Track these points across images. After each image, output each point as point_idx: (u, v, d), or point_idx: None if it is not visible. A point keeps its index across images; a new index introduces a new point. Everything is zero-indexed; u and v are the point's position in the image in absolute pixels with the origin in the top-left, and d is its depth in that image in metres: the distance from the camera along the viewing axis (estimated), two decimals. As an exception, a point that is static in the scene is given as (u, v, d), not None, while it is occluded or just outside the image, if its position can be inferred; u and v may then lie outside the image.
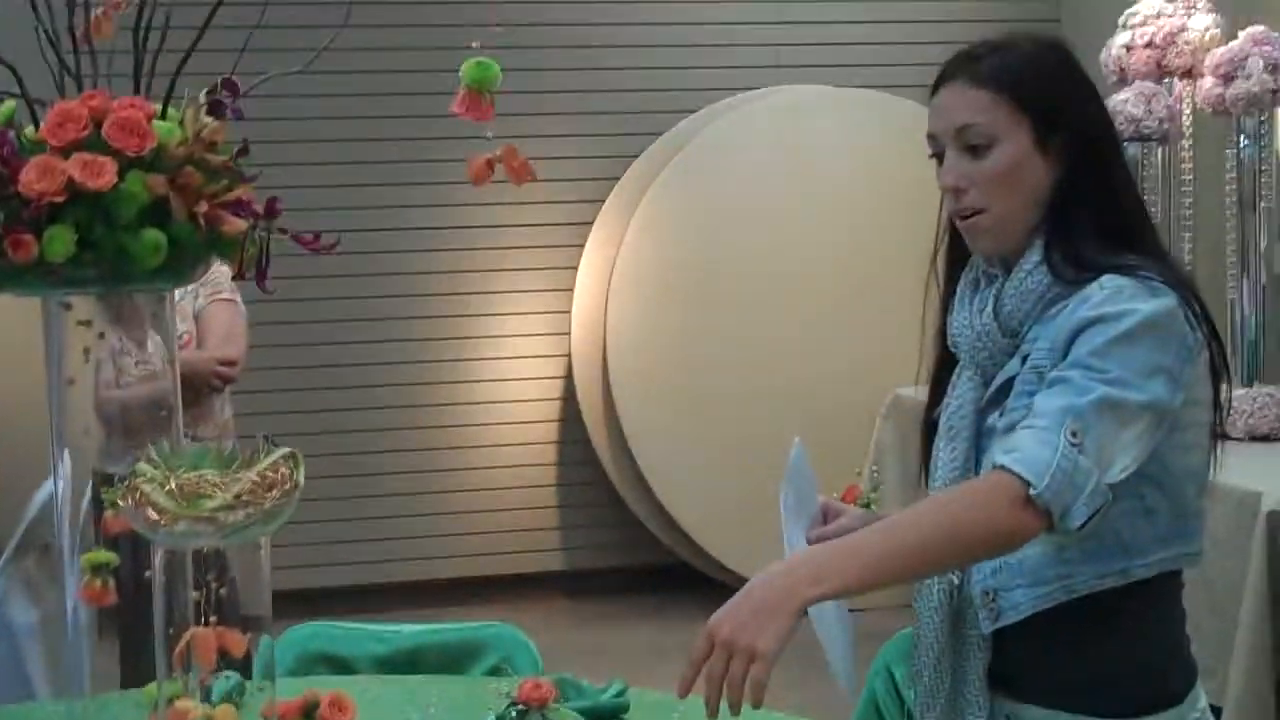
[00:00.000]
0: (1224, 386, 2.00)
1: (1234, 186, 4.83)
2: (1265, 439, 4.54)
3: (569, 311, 6.52)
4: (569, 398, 6.56)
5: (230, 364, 3.90)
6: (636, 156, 6.53)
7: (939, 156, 2.04)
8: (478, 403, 6.58)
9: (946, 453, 2.04)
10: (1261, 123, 4.76)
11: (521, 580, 6.56)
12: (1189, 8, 5.11)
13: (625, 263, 6.24)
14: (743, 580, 6.24)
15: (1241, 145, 4.79)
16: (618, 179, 6.50)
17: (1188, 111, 5.09)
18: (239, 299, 4.08)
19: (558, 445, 6.66)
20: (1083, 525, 1.80)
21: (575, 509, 6.67)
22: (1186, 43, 5.03)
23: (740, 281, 6.29)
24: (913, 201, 6.28)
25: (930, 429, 2.14)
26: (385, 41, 6.08)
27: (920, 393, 6.36)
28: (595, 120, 6.47)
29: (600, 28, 6.55)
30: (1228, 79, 4.70)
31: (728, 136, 6.37)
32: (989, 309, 2.01)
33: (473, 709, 2.35)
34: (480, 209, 6.42)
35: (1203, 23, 5.05)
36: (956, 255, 2.12)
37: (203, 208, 1.69)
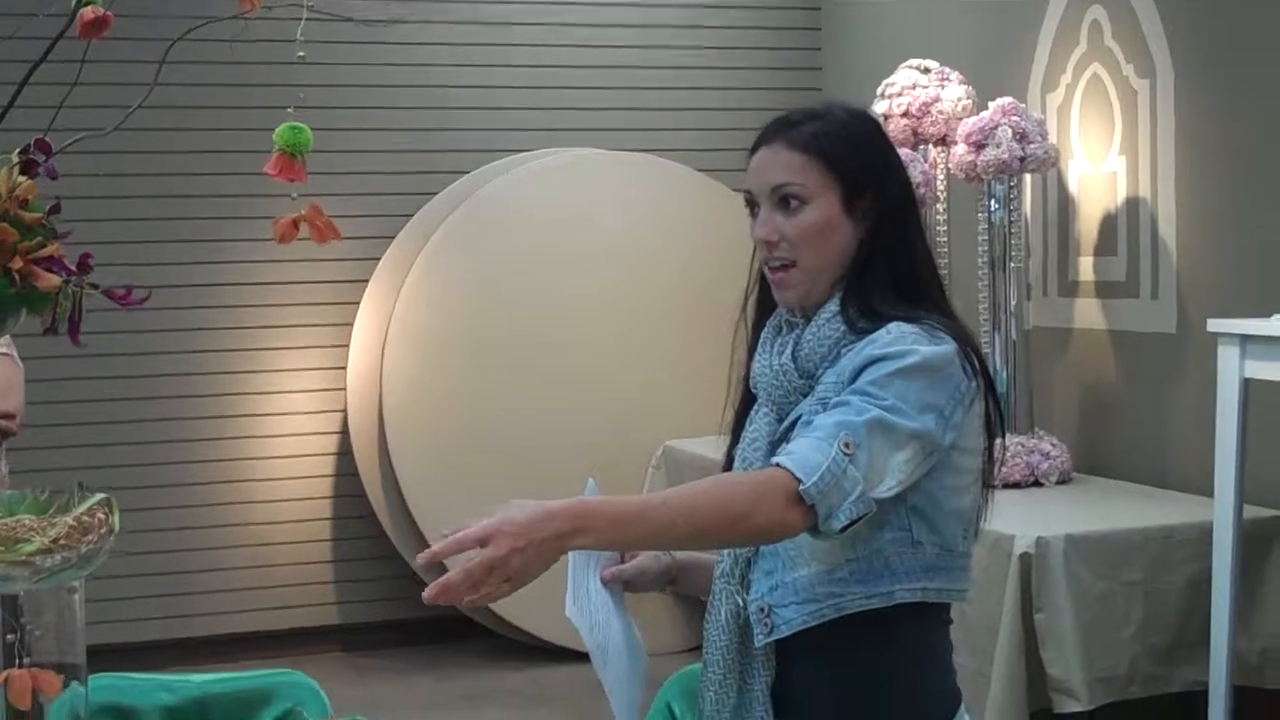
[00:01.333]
0: (998, 439, 2.16)
1: (985, 248, 5.05)
2: (1016, 485, 4.77)
3: (344, 368, 6.54)
4: (345, 453, 6.57)
5: (8, 417, 3.86)
6: (411, 216, 6.59)
7: (753, 209, 2.20)
8: (253, 458, 6.55)
9: None
10: (1010, 188, 5.00)
11: (298, 635, 6.53)
12: (943, 80, 5.34)
13: (400, 320, 6.29)
14: (518, 630, 6.34)
15: (992, 209, 5.02)
16: (393, 237, 6.55)
17: (942, 177, 5.32)
18: (15, 353, 4.04)
19: (333, 500, 6.65)
20: (843, 529, 1.92)
21: (351, 563, 6.67)
22: (940, 112, 5.26)
23: (515, 338, 6.37)
24: (680, 260, 6.52)
25: (729, 463, 2.28)
26: (190, 100, 6.12)
27: (688, 444, 6.57)
28: (371, 179, 6.52)
29: (377, 89, 6.60)
30: (979, 147, 4.93)
31: (501, 196, 6.46)
32: (788, 352, 2.16)
33: (269, 753, 2.38)
34: (254, 266, 6.44)
35: (955, 94, 5.29)
36: (765, 304, 2.27)
37: (17, 264, 1.74)
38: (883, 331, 2.07)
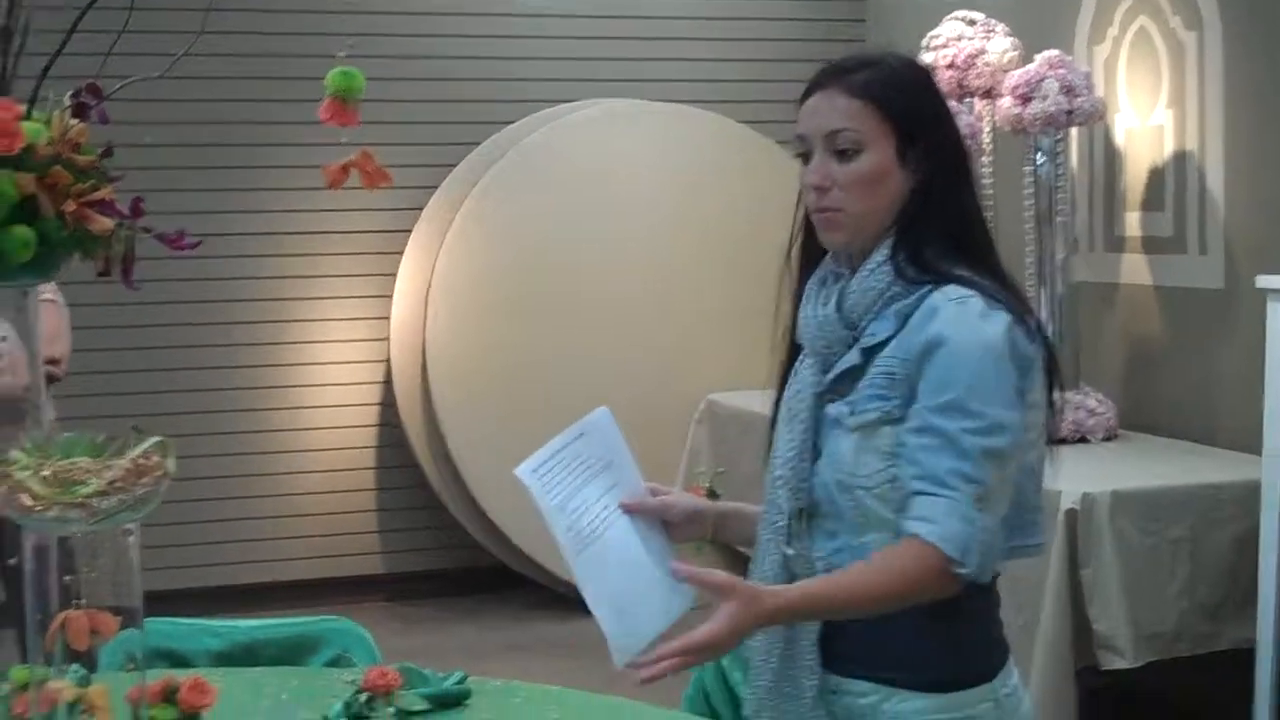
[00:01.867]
0: (1057, 390, 2.15)
1: (1031, 202, 5.02)
2: (1062, 442, 4.75)
3: (388, 317, 6.56)
4: (389, 403, 6.60)
5: (54, 363, 3.89)
6: (454, 166, 6.59)
7: (804, 156, 2.17)
8: (298, 407, 6.59)
9: (786, 434, 2.17)
10: (1057, 141, 4.97)
11: (341, 584, 6.58)
12: (988, 32, 5.30)
13: (443, 270, 6.30)
14: (561, 581, 6.37)
15: (1039, 163, 4.99)
16: (436, 187, 6.56)
17: (987, 130, 5.29)
18: (60, 299, 4.08)
19: (377, 449, 6.69)
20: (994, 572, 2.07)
21: (395, 513, 6.71)
22: (986, 65, 5.21)
23: (556, 289, 6.38)
24: (722, 213, 6.50)
25: (777, 415, 2.27)
26: (236, 49, 6.15)
27: (731, 398, 6.57)
28: (416, 129, 6.52)
29: (421, 39, 6.60)
30: (1025, 100, 4.89)
31: (544, 147, 6.46)
32: (833, 302, 2.14)
33: (320, 698, 2.38)
34: (299, 215, 6.47)
35: (1001, 46, 5.25)
36: (810, 254, 2.25)
37: (70, 206, 1.74)
38: (939, 297, 2.06)
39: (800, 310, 2.23)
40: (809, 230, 2.23)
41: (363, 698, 2.30)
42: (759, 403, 6.39)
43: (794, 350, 2.28)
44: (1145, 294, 5.17)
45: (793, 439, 2.15)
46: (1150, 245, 5.14)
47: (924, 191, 2.13)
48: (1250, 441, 4.29)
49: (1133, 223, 5.21)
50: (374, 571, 6.71)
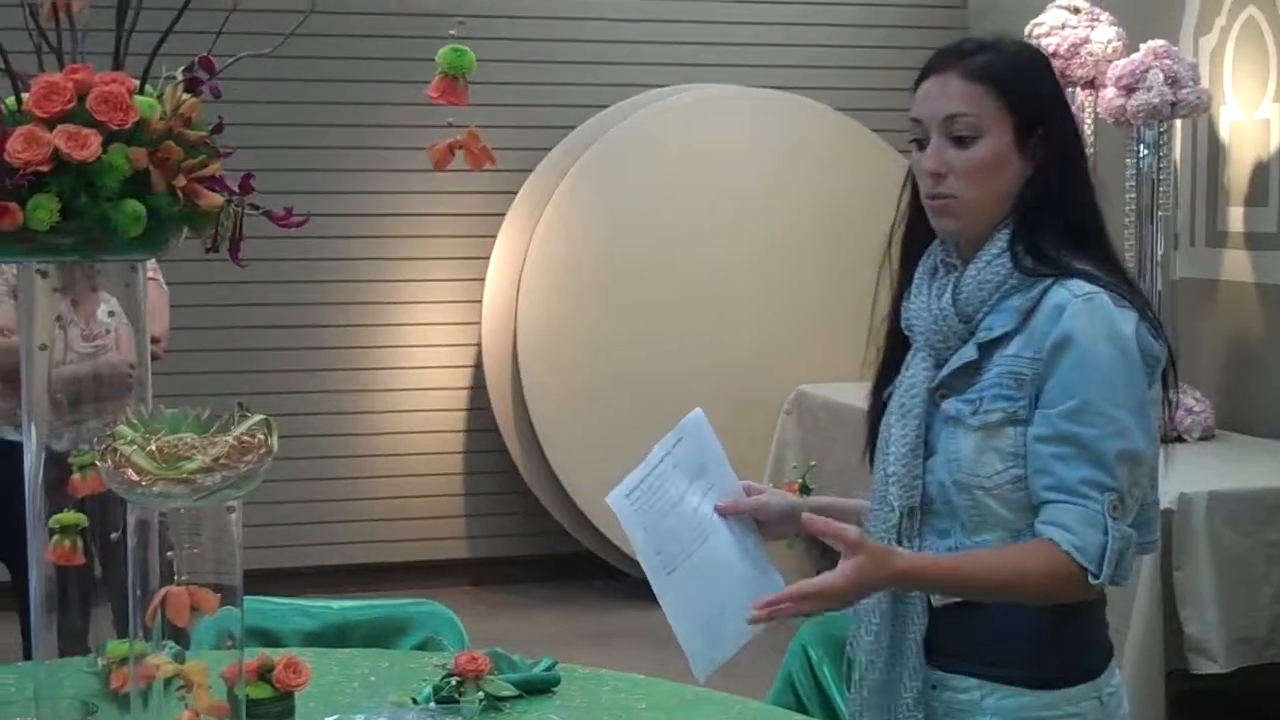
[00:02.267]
0: (1172, 387, 2.11)
1: (1133, 195, 4.96)
2: (1163, 441, 4.68)
3: (480, 301, 6.57)
4: (479, 387, 6.61)
5: (155, 341, 3.93)
6: (550, 150, 6.59)
7: (918, 142, 2.13)
8: (390, 390, 6.62)
9: (899, 429, 2.12)
10: (1160, 134, 4.90)
11: (428, 567, 6.60)
12: (1092, 20, 5.24)
13: (536, 254, 6.30)
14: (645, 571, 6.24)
15: (1141, 155, 4.93)
16: (531, 171, 6.56)
17: (1089, 121, 5.22)
18: (161, 278, 4.12)
19: (466, 434, 6.71)
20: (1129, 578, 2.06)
21: (483, 497, 6.73)
22: (1090, 54, 5.15)
23: (649, 275, 6.36)
24: (818, 201, 6.45)
25: (876, 408, 2.23)
26: (344, 29, 6.21)
27: (821, 389, 6.51)
28: (510, 112, 6.51)
29: (515, 21, 6.60)
30: (1129, 90, 4.83)
31: (639, 132, 6.44)
32: (947, 295, 2.09)
33: (409, 680, 2.39)
34: (393, 197, 6.49)
35: (1105, 35, 5.18)
36: (914, 242, 2.20)
37: (181, 181, 1.74)
38: (1064, 293, 2.01)
39: (908, 301, 2.18)
40: (912, 217, 2.20)
41: (452, 681, 2.30)
42: (849, 394, 6.38)
43: (896, 340, 2.24)
44: (1246, 291, 5.09)
45: (906, 435, 2.11)
46: (1253, 241, 5.06)
47: (1041, 180, 2.08)
48: (1352, 444, 4.22)
49: (1235, 218, 5.13)
50: (459, 556, 6.73)
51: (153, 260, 3.91)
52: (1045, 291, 2.03)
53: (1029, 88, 2.10)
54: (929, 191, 2.11)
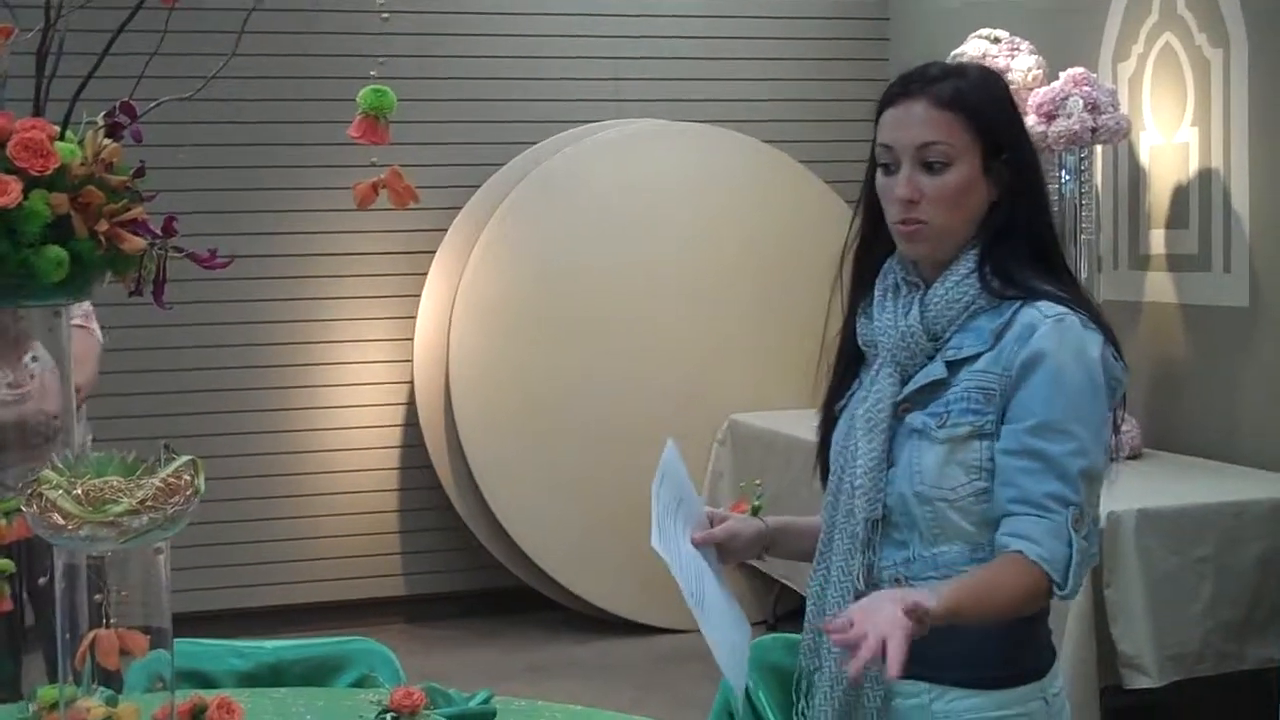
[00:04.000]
0: (1121, 408, 2.15)
1: (1056, 220, 5.00)
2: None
3: (411, 339, 6.57)
4: (412, 424, 6.60)
5: (75, 390, 3.87)
6: (478, 187, 6.60)
7: (886, 166, 2.16)
8: (322, 429, 6.59)
9: (865, 443, 2.15)
10: (1082, 159, 4.97)
11: (364, 605, 6.57)
12: (1012, 49, 5.30)
13: (467, 291, 6.31)
14: (584, 602, 6.37)
15: (1063, 180, 4.99)
16: (460, 208, 6.57)
17: (1012, 148, 5.28)
18: (93, 325, 4.09)
19: (400, 471, 6.69)
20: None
21: (417, 534, 6.70)
22: (1010, 83, 5.21)
23: (580, 311, 6.38)
24: (746, 233, 6.50)
25: (828, 422, 2.27)
26: (267, 71, 6.21)
27: (753, 419, 6.52)
28: (438, 150, 6.53)
29: (443, 60, 6.62)
30: (1050, 117, 4.89)
31: (567, 168, 6.47)
32: (914, 312, 2.14)
33: (345, 718, 2.39)
34: (324, 236, 6.48)
35: (1025, 64, 5.25)
36: (868, 261, 2.24)
37: (103, 226, 1.75)
38: (1035, 314, 2.06)
39: (866, 318, 2.22)
40: (865, 237, 2.23)
41: (388, 718, 2.30)
42: (781, 422, 6.42)
43: (849, 357, 2.27)
44: (1170, 312, 5.15)
45: (872, 448, 2.14)
46: (1175, 263, 5.13)
47: (1007, 204, 2.13)
48: (1275, 459, 4.28)
49: (1157, 241, 5.20)
50: (395, 593, 6.70)
51: (86, 306, 3.92)
52: (1015, 312, 2.08)
53: (995, 114, 2.14)
54: (900, 217, 2.14)
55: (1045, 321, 2.05)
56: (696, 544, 2.21)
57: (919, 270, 2.18)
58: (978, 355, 2.09)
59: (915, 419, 2.11)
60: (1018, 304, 2.08)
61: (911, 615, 1.86)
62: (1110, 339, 2.09)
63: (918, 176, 2.12)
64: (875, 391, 2.17)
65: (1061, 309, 2.06)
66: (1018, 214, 2.13)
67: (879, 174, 2.18)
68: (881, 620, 1.84)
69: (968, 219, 2.13)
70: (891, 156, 2.15)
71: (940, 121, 2.11)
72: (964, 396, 2.08)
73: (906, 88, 2.15)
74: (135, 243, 1.77)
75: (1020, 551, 1.99)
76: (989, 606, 1.99)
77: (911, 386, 2.13)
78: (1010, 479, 2.03)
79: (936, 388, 2.11)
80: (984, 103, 2.13)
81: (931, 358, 2.13)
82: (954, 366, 2.10)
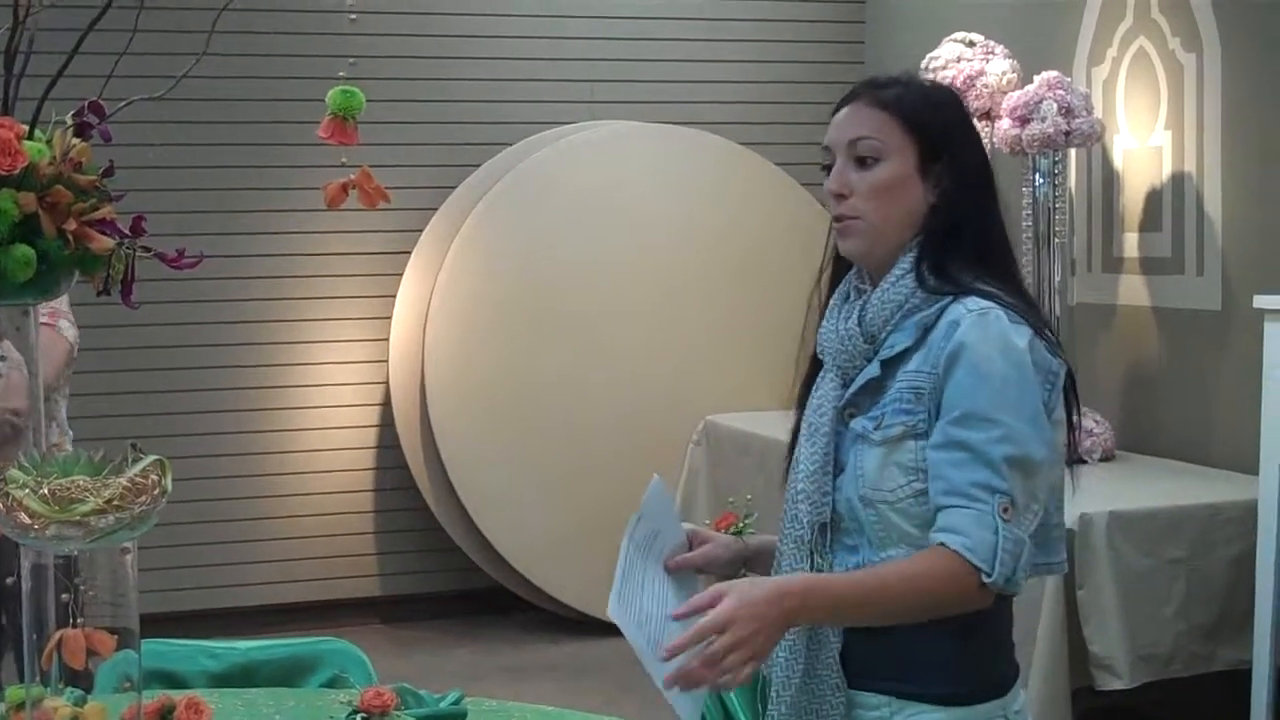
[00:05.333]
0: (1075, 409, 2.16)
1: (1030, 223, 5.03)
2: (1066, 463, 4.73)
3: (387, 339, 6.56)
4: (388, 425, 6.60)
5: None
6: (454, 188, 6.59)
7: (827, 168, 2.19)
8: (296, 430, 6.58)
9: (807, 448, 2.17)
10: (1056, 163, 4.98)
11: (339, 606, 6.57)
12: (987, 53, 5.31)
13: (443, 291, 6.31)
14: (559, 604, 6.35)
15: (1037, 184, 5.00)
16: (435, 209, 6.56)
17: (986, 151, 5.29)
18: (58, 323, 4.06)
19: (375, 472, 6.68)
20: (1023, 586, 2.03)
21: (392, 535, 6.70)
22: (985, 86, 5.22)
23: (555, 311, 6.38)
24: (721, 234, 6.51)
25: (796, 429, 2.27)
26: (238, 70, 6.19)
27: (728, 419, 6.53)
28: (416, 151, 6.53)
29: (421, 61, 6.61)
30: (1024, 121, 4.90)
31: (543, 170, 6.47)
32: (854, 316, 2.16)
33: (315, 718, 2.40)
34: (300, 237, 6.48)
35: (1000, 68, 5.26)
36: (837, 275, 2.27)
37: (71, 225, 1.75)
38: (960, 309, 2.07)
39: (822, 325, 2.24)
40: (839, 255, 2.25)
41: (358, 718, 2.30)
42: (756, 423, 6.42)
43: (815, 367, 2.29)
44: (1143, 315, 5.17)
45: (814, 453, 2.15)
46: (1148, 266, 5.14)
47: (945, 206, 2.14)
48: (1247, 462, 4.29)
49: (1130, 244, 5.22)
50: (371, 594, 6.70)
51: (54, 304, 3.90)
52: (944, 309, 2.09)
53: (932, 117, 2.16)
54: (833, 213, 2.18)
55: (968, 316, 2.06)
56: (672, 569, 2.18)
57: (869, 276, 2.20)
58: (908, 352, 2.09)
59: (858, 423, 2.12)
60: (948, 300, 2.09)
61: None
62: (1043, 335, 2.09)
63: (849, 172, 2.16)
64: (818, 397, 2.20)
65: (988, 303, 2.07)
66: (957, 216, 2.14)
67: (824, 176, 2.21)
68: (754, 639, 1.89)
69: (902, 217, 2.14)
70: (830, 156, 2.19)
71: (873, 119, 2.15)
72: (896, 397, 2.08)
73: (851, 93, 2.21)
74: (103, 242, 1.77)
75: (943, 543, 1.98)
76: (908, 589, 1.98)
77: (851, 389, 2.14)
78: (938, 472, 2.02)
79: (876, 390, 2.12)
80: (921, 106, 2.16)
81: (870, 360, 2.14)
82: (888, 365, 2.11)
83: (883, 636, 2.09)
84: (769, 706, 2.20)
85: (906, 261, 2.13)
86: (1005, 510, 1.98)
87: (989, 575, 1.96)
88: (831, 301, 2.24)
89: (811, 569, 2.14)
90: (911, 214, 2.14)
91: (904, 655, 2.10)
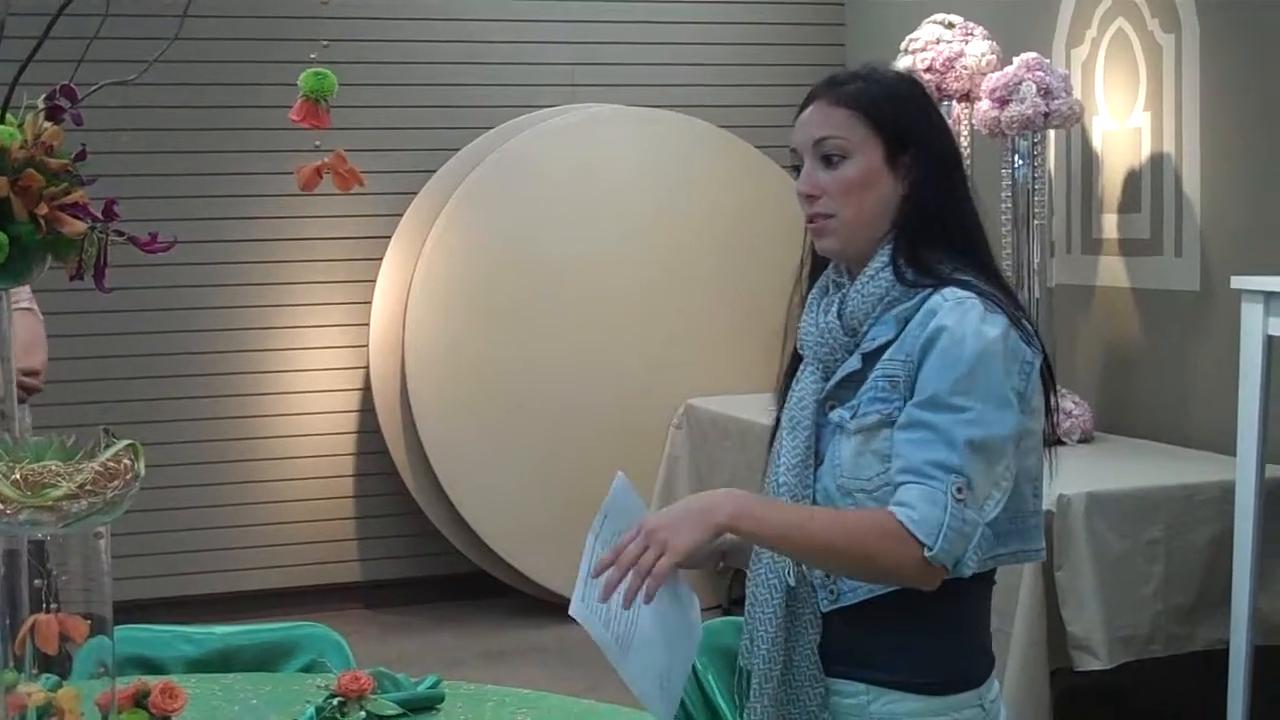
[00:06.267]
0: (1052, 394, 2.16)
1: (1009, 205, 5.04)
2: (1044, 444, 4.75)
3: (367, 324, 6.55)
4: (368, 410, 6.59)
5: (33, 374, 3.86)
6: (434, 172, 6.58)
7: (796, 169, 2.20)
8: (277, 415, 6.57)
9: (789, 441, 2.18)
10: (1035, 144, 4.99)
11: (321, 591, 6.57)
12: (966, 35, 5.32)
13: (423, 276, 6.30)
14: (541, 588, 6.39)
15: (1016, 165, 5.01)
16: (416, 194, 6.55)
17: (965, 133, 5.30)
18: (36, 308, 4.05)
19: (356, 456, 6.68)
20: (974, 569, 2.02)
21: (374, 520, 6.69)
22: (964, 67, 5.23)
23: (536, 296, 6.38)
24: (704, 218, 6.51)
25: (777, 422, 2.28)
26: (212, 55, 6.17)
27: (709, 403, 6.55)
28: (395, 135, 6.52)
29: (399, 44, 6.60)
30: (1003, 102, 4.91)
31: (524, 153, 6.46)
32: (834, 310, 2.16)
33: (292, 702, 2.39)
34: (278, 221, 6.46)
35: (979, 49, 5.27)
36: (816, 269, 2.28)
37: (43, 209, 1.74)
38: (938, 299, 2.07)
39: (802, 320, 2.25)
40: (815, 250, 2.26)
41: (334, 702, 2.30)
42: (737, 407, 6.43)
43: (796, 361, 2.29)
44: (1122, 296, 5.18)
45: (796, 446, 2.16)
46: (1127, 247, 5.16)
47: (917, 197, 2.15)
48: (1225, 443, 4.30)
49: (1110, 225, 5.23)
50: (352, 579, 6.69)
51: (27, 290, 3.88)
52: (923, 300, 2.09)
53: (895, 110, 2.17)
54: (806, 213, 2.19)
55: (945, 304, 2.06)
56: None
57: (847, 270, 2.20)
58: (888, 344, 2.10)
59: (836, 414, 2.13)
60: (928, 291, 2.09)
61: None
62: (1020, 325, 2.09)
63: (817, 172, 2.17)
64: (799, 390, 2.21)
65: (965, 293, 2.07)
66: (929, 206, 2.14)
67: (793, 177, 2.23)
68: (667, 531, 1.97)
69: (875, 212, 2.15)
70: (797, 158, 2.21)
71: (835, 117, 2.16)
72: (873, 386, 2.09)
73: (813, 93, 2.22)
74: (76, 226, 1.76)
75: (891, 512, 1.98)
76: (824, 536, 2.00)
77: (832, 382, 2.15)
78: (899, 451, 2.03)
79: (856, 381, 2.13)
80: (883, 100, 2.16)
81: (851, 353, 2.15)
82: (869, 358, 2.12)
83: (861, 627, 2.10)
84: (750, 698, 2.21)
85: (884, 254, 2.14)
86: (959, 490, 1.97)
87: (929, 550, 1.95)
88: (810, 295, 2.25)
89: (795, 563, 2.14)
90: (884, 207, 2.15)
91: (882, 645, 2.12)
